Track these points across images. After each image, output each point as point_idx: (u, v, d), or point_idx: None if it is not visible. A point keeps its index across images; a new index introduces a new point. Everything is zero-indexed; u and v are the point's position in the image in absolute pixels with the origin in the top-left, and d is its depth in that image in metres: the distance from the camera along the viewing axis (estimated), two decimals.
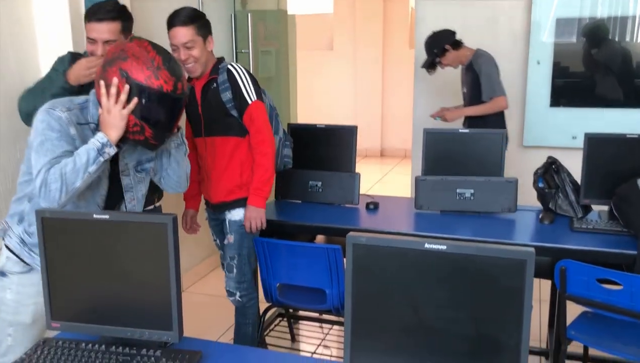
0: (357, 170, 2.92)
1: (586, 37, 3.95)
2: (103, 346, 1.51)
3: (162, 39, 3.35)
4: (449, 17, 4.08)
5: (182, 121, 1.93)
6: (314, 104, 7.72)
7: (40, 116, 1.73)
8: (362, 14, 8.41)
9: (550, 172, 2.64)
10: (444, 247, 1.19)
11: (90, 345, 1.51)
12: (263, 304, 2.75)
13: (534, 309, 2.72)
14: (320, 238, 3.06)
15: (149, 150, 1.86)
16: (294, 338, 3.25)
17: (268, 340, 3.07)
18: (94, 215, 1.48)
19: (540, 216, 2.60)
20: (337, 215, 2.77)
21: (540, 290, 3.38)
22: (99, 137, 1.70)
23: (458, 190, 2.67)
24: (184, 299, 1.56)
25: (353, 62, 8.50)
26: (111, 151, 1.71)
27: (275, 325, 3.27)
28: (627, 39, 3.89)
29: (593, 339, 2.22)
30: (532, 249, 1.14)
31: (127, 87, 1.67)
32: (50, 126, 1.70)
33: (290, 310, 3.26)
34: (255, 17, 4.26)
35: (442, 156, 2.81)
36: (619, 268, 2.15)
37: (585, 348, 2.53)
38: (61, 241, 1.52)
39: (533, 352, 2.91)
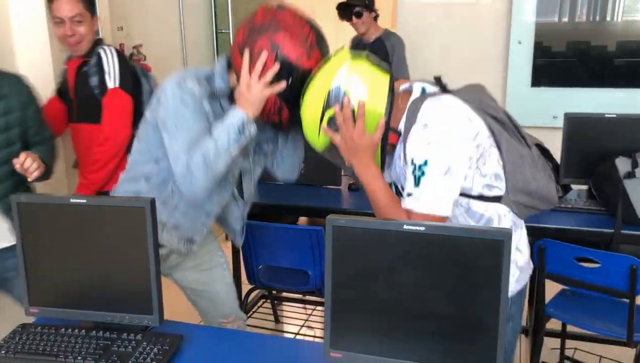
0: None
1: None
2: (83, 331, 1.50)
3: (141, 10, 3.30)
4: None
5: None
6: None
7: (170, 91, 1.57)
8: None
9: None
10: (422, 228, 1.19)
11: (69, 330, 1.50)
12: (246, 286, 2.75)
13: None
14: (302, 219, 3.06)
15: (278, 131, 1.74)
16: (277, 319, 3.27)
17: (251, 321, 3.08)
18: (71, 199, 1.46)
19: None
20: (320, 197, 2.77)
21: None
22: (238, 115, 1.53)
23: None
24: (165, 282, 1.55)
25: (335, 43, 8.43)
26: (252, 129, 1.55)
27: (258, 307, 3.29)
28: (608, 18, 3.90)
29: (571, 316, 2.26)
30: (510, 229, 1.15)
31: (276, 65, 1.50)
32: (183, 102, 1.54)
33: (274, 292, 3.27)
34: None
35: None
36: (597, 246, 2.18)
37: (564, 325, 2.58)
38: (38, 226, 1.50)
39: None
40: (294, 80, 1.53)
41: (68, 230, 1.48)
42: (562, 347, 2.63)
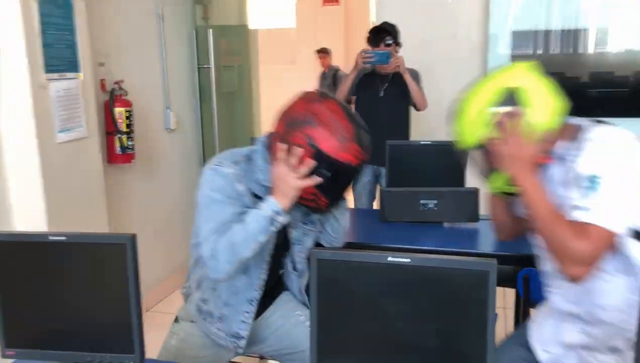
0: None
1: None
2: None
3: (122, 46, 3.31)
4: (410, 31, 4.13)
5: None
6: None
7: (206, 176, 1.62)
8: (323, 27, 8.48)
9: None
10: (407, 260, 1.19)
11: None
12: None
13: (499, 317, 2.74)
14: None
15: (315, 213, 1.77)
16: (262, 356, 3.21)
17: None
18: (49, 237, 1.43)
19: None
20: None
21: (505, 297, 3.42)
22: (271, 204, 1.56)
23: (422, 201, 2.69)
24: (147, 319, 1.52)
25: (316, 75, 8.55)
26: (283, 220, 1.58)
27: None
28: (580, 50, 4.01)
29: None
30: (494, 260, 1.15)
31: (311, 161, 1.54)
32: (216, 186, 1.59)
33: None
34: (216, 32, 4.25)
35: (405, 168, 2.83)
36: None
37: None
38: (16, 264, 1.46)
39: None
40: (332, 173, 1.57)
41: (46, 268, 1.45)
42: None
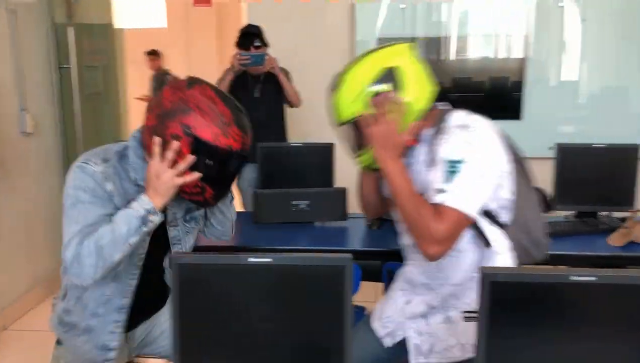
0: None
1: None
2: None
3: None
4: (280, 35, 4.18)
5: None
6: None
7: (72, 173, 1.48)
8: (195, 28, 8.34)
9: None
10: (267, 260, 1.20)
11: None
12: None
13: (370, 310, 2.85)
14: None
15: (202, 208, 1.67)
16: None
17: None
18: None
19: (368, 222, 2.75)
20: None
21: (376, 291, 3.56)
22: (143, 203, 1.46)
23: (293, 202, 2.73)
24: (5, 339, 1.40)
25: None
26: (156, 219, 1.48)
27: None
28: (442, 57, 4.28)
29: None
30: (350, 255, 1.19)
31: (190, 157, 1.44)
32: (82, 185, 1.46)
33: None
34: (78, 31, 4.03)
35: (277, 169, 2.86)
36: None
37: None
38: None
39: None
40: (215, 162, 1.50)
41: None
42: None
